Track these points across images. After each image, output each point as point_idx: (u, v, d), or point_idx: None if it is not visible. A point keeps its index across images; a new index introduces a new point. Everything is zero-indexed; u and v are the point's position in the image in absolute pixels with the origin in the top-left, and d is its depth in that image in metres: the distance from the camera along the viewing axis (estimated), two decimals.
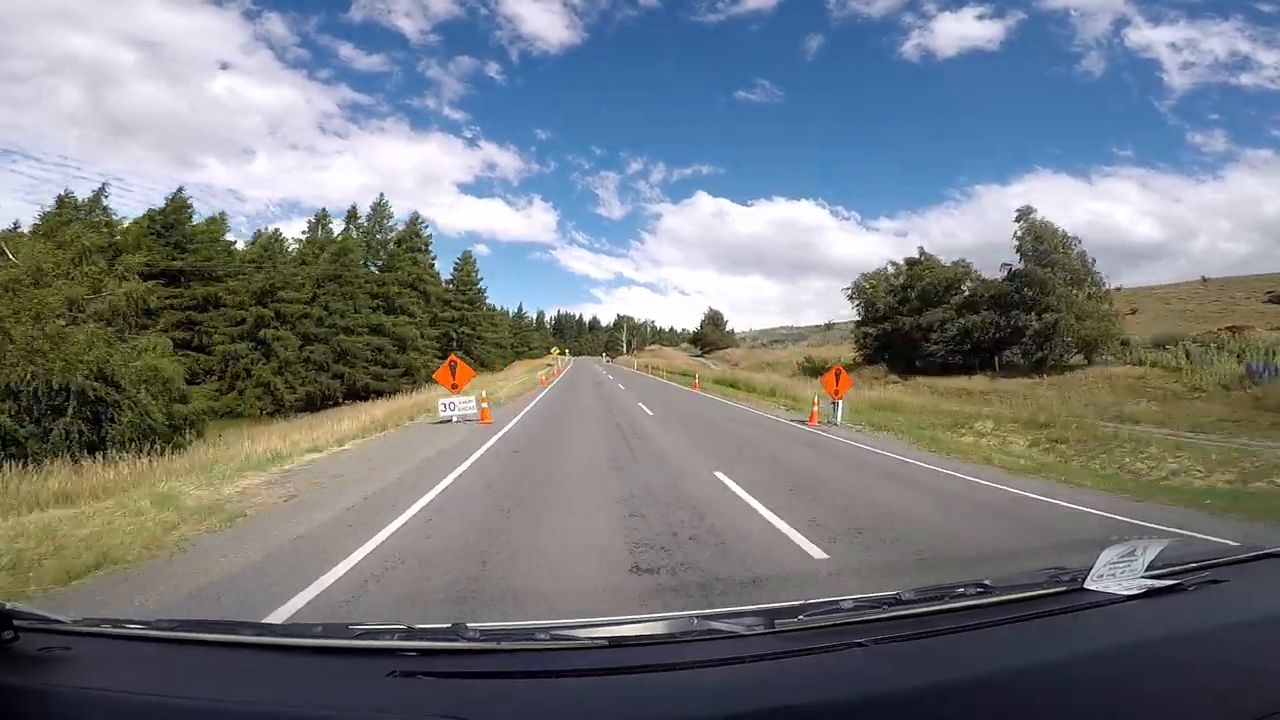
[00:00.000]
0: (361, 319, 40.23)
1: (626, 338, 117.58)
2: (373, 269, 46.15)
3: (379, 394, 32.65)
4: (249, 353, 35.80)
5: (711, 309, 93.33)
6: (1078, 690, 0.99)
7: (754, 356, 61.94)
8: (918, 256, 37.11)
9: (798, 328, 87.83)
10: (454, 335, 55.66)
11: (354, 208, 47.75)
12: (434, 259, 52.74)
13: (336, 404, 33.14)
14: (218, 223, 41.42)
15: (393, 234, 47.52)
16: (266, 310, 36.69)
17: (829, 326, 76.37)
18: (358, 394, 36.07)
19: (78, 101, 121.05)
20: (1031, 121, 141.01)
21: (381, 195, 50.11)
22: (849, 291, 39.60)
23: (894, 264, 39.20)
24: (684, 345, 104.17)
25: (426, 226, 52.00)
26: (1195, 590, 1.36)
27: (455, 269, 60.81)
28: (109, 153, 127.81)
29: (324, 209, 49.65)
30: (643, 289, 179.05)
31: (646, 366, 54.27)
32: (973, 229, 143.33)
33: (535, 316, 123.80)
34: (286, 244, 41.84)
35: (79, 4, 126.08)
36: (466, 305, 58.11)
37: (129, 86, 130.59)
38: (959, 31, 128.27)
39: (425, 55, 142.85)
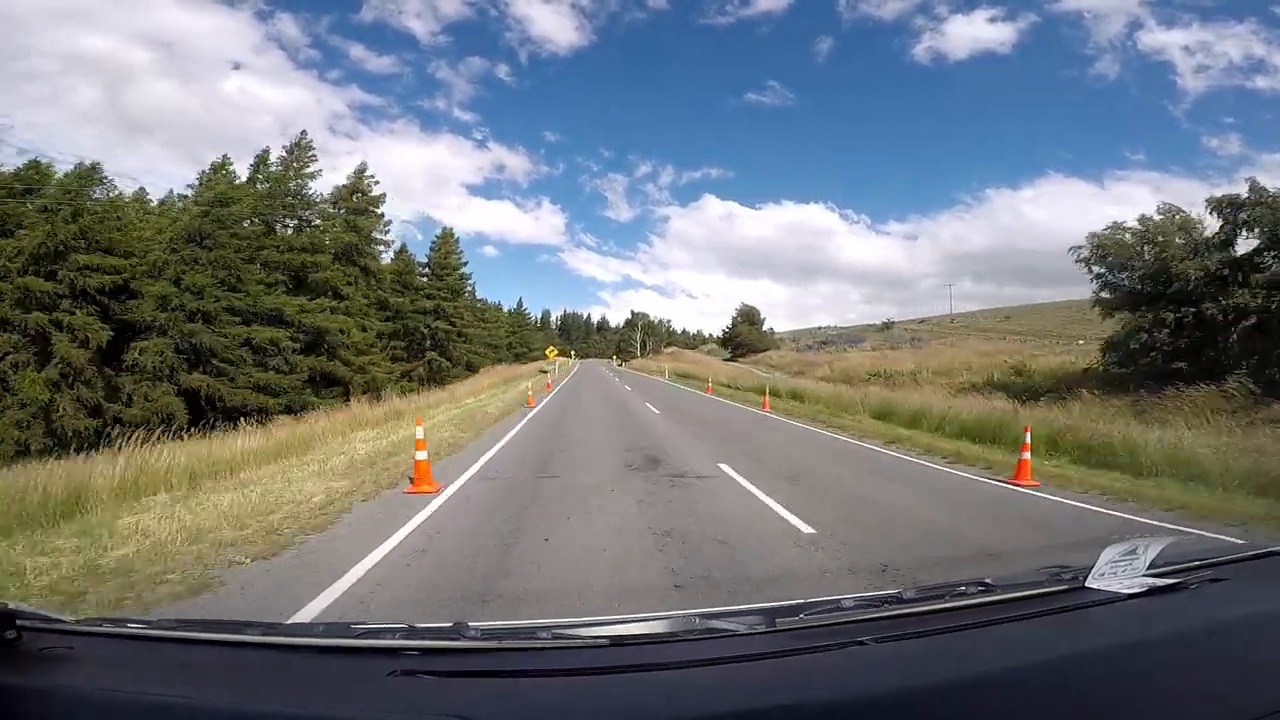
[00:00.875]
0: (243, 300, 24.66)
1: (641, 338, 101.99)
2: (287, 230, 30.73)
3: (264, 415, 20.42)
4: (13, 349, 20.61)
5: (745, 304, 78.84)
6: (1080, 688, 0.96)
7: (815, 362, 44.67)
8: (1243, 195, 18.06)
9: (846, 327, 75.82)
10: (426, 331, 40.22)
11: (265, 151, 32.52)
12: (389, 224, 36.97)
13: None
14: (39, 168, 25.87)
15: (311, 176, 31.65)
16: (51, 283, 21.51)
17: (888, 325, 65.13)
18: (233, 415, 22.30)
19: (93, 100, 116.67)
20: (1043, 125, 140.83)
21: (304, 133, 33.23)
22: (1082, 253, 20.63)
23: (1172, 209, 18.95)
24: (708, 348, 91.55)
25: (377, 182, 36.32)
26: (1197, 588, 1.32)
27: (432, 249, 46.29)
28: (124, 151, 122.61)
29: (225, 155, 34.20)
30: (650, 292, 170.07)
31: (685, 376, 39.55)
32: (984, 233, 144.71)
33: (540, 316, 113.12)
34: (113, 187, 25.76)
35: (94, 2, 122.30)
36: (445, 295, 42.64)
37: (143, 85, 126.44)
38: (970, 34, 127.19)
39: (435, 56, 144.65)
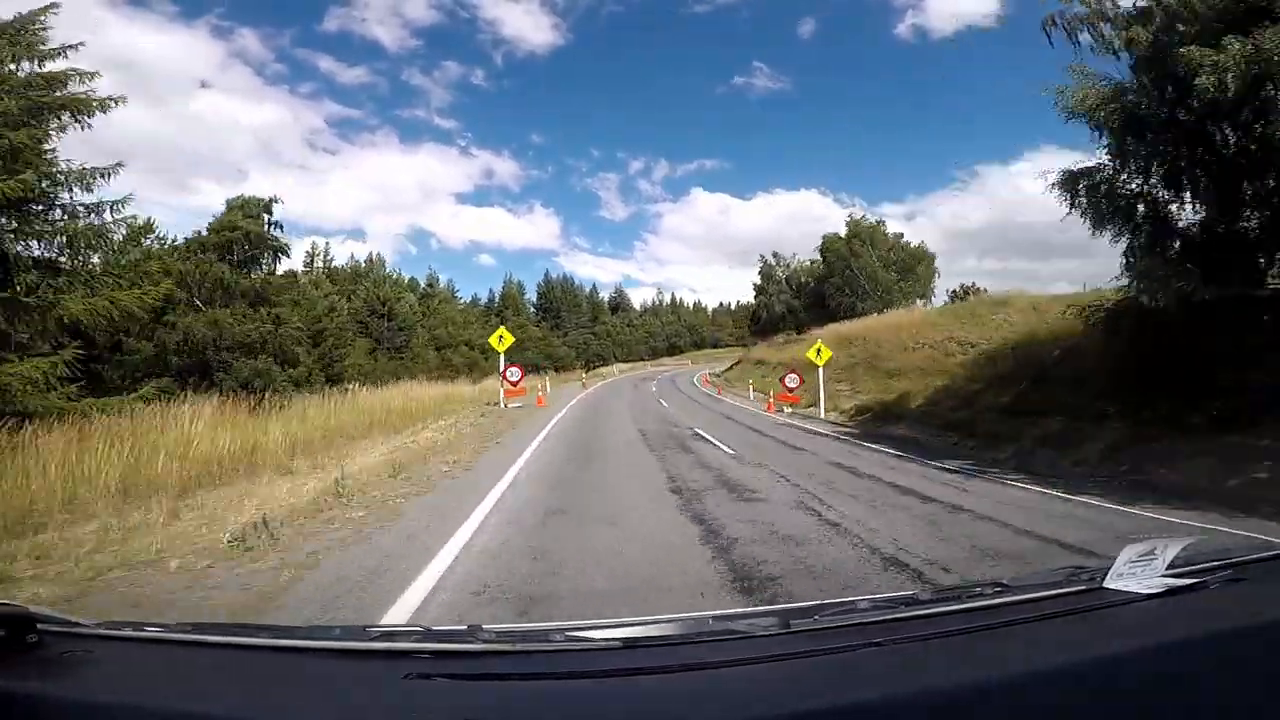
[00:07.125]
0: None
1: None
2: None
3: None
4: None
5: None
6: (1099, 690, 0.96)
7: None
8: None
9: None
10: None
11: None
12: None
13: None
14: None
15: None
16: None
17: None
18: None
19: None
20: (1033, 96, 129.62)
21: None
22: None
23: None
24: None
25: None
26: (1217, 589, 1.30)
27: None
28: (107, 180, 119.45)
29: None
30: (650, 290, 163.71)
31: None
32: (982, 209, 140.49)
33: (500, 290, 66.70)
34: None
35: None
36: None
37: (111, 111, 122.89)
38: (952, 10, 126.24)
39: (407, 64, 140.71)
